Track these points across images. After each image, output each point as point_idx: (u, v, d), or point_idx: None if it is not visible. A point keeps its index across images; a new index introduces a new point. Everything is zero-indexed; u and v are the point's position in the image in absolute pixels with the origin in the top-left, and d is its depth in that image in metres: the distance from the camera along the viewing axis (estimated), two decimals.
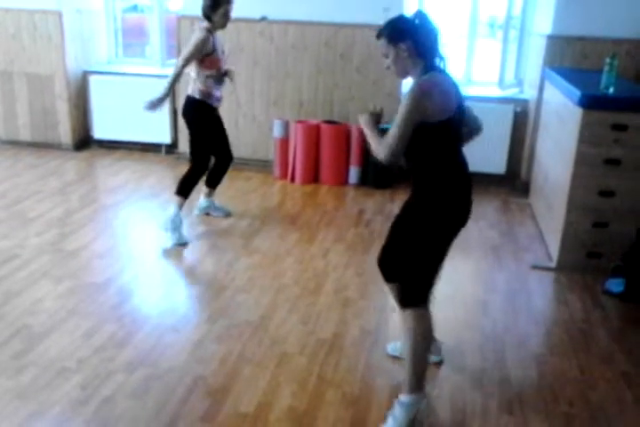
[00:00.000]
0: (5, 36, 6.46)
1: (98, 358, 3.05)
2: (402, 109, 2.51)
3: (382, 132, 2.80)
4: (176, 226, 4.49)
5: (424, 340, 2.72)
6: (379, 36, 2.65)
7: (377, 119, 2.80)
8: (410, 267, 2.73)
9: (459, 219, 2.71)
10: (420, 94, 2.51)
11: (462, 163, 2.71)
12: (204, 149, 4.67)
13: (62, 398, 2.76)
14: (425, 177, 2.65)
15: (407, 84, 4.72)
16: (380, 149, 2.56)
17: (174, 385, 2.88)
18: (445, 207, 2.66)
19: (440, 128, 2.55)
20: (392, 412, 2.69)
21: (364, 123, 2.75)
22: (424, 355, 2.73)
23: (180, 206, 4.56)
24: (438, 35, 2.63)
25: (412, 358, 2.69)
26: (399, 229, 2.79)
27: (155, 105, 4.40)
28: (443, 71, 2.62)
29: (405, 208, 2.78)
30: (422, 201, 2.70)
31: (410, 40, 2.58)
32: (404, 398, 2.69)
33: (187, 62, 4.37)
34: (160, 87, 4.41)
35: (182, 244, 4.48)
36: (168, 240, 4.46)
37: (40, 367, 2.96)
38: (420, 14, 2.63)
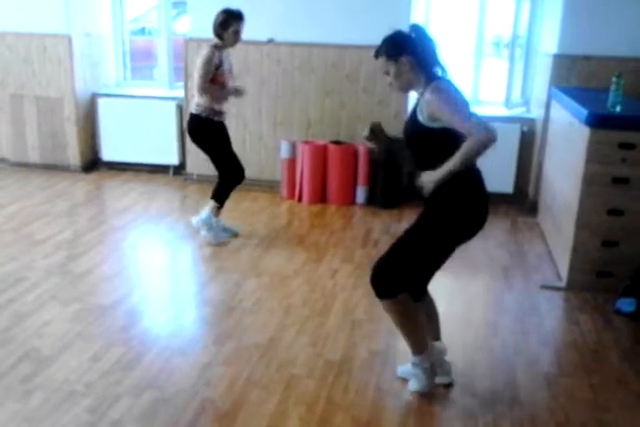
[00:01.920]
0: (16, 59, 6.53)
1: (106, 382, 3.04)
2: (448, 104, 2.54)
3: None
4: (210, 226, 4.76)
5: (406, 319, 2.90)
6: (377, 55, 2.68)
7: (380, 134, 2.93)
8: (395, 259, 2.79)
9: (472, 227, 2.72)
10: (443, 89, 2.57)
11: (476, 169, 2.73)
12: (224, 159, 4.79)
13: (71, 421, 2.74)
14: (441, 184, 2.65)
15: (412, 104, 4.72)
16: (477, 140, 2.45)
17: (182, 409, 2.86)
18: (459, 213, 2.67)
19: (454, 130, 2.57)
20: (411, 371, 2.99)
21: (433, 179, 2.64)
22: (411, 327, 2.91)
23: (213, 210, 4.79)
24: (436, 46, 2.69)
25: (402, 333, 2.94)
26: (408, 233, 2.82)
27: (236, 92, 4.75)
28: (446, 79, 2.65)
29: (419, 216, 2.80)
30: (437, 206, 2.70)
31: (409, 54, 2.62)
32: (413, 359, 2.96)
33: (206, 81, 4.49)
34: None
35: (220, 243, 4.79)
36: (207, 240, 4.80)
37: (48, 391, 2.95)
38: (415, 27, 2.68)
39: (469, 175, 2.68)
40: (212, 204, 4.81)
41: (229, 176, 4.81)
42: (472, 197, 2.71)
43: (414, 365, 2.97)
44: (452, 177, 2.60)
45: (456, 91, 2.67)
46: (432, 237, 2.72)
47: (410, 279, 2.83)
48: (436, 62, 2.67)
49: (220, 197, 4.83)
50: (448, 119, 2.55)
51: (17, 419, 2.75)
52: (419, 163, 2.77)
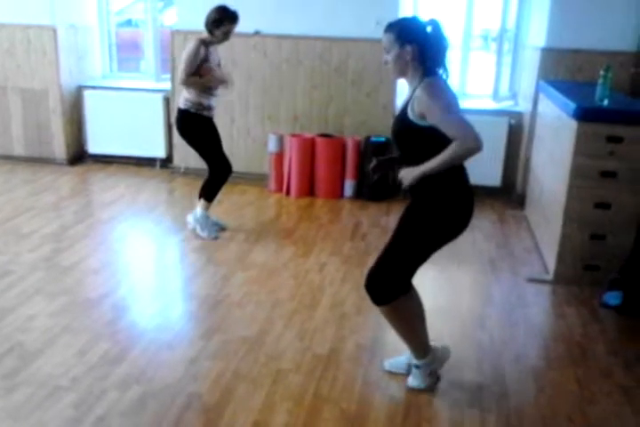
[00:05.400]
0: (0, 51, 6.46)
1: (92, 376, 3.01)
2: (439, 105, 2.51)
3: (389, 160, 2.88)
4: (205, 224, 4.80)
5: (406, 324, 2.92)
6: (387, 30, 2.63)
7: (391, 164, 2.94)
8: (390, 265, 2.77)
9: (457, 225, 2.71)
10: (435, 88, 2.55)
11: (462, 167, 2.72)
12: (213, 154, 4.76)
13: (56, 417, 2.72)
14: (427, 180, 2.64)
15: (401, 97, 4.69)
16: (463, 146, 2.44)
17: (169, 403, 2.84)
18: (446, 212, 2.66)
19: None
20: (412, 373, 2.99)
21: (412, 176, 2.64)
22: (412, 331, 2.94)
23: (206, 208, 4.82)
24: (447, 47, 2.65)
25: (403, 338, 2.96)
26: (397, 236, 2.79)
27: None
28: (442, 78, 2.63)
29: (404, 215, 2.78)
30: (423, 205, 2.70)
31: (416, 45, 2.58)
32: (415, 362, 2.97)
33: (188, 74, 4.43)
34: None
35: (214, 238, 4.78)
36: (201, 236, 4.81)
37: (33, 386, 2.92)
38: (434, 23, 2.63)
39: (454, 172, 2.67)
40: (202, 202, 4.81)
41: (219, 171, 4.77)
42: (457, 195, 2.70)
43: (417, 367, 2.97)
44: (437, 174, 2.59)
45: (449, 91, 2.64)
46: (420, 239, 2.70)
47: (404, 282, 2.81)
48: (440, 62, 2.63)
49: (211, 193, 4.81)
50: (437, 119, 2.49)
51: (1, 415, 2.73)
52: (405, 160, 2.75)
